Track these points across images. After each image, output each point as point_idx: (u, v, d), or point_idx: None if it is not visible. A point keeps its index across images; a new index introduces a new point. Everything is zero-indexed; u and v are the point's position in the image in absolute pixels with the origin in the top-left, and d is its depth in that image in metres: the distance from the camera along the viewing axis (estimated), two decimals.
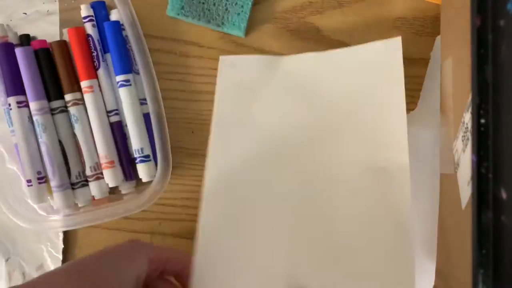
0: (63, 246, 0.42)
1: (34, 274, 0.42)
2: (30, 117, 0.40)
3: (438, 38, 0.38)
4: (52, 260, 0.42)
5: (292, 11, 0.42)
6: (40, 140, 0.40)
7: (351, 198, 0.36)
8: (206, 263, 0.36)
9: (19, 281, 0.42)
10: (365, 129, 0.36)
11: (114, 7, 0.41)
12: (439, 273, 0.34)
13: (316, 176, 0.37)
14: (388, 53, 0.36)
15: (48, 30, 0.42)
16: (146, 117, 0.41)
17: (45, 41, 0.41)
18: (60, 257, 0.42)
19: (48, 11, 0.43)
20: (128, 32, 0.39)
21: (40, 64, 0.41)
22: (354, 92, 0.37)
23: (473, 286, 0.23)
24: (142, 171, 0.41)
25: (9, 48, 0.40)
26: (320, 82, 0.38)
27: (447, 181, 0.32)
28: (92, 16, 0.41)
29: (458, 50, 0.29)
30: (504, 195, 0.23)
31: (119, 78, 0.40)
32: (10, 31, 0.42)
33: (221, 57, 0.40)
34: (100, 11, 0.41)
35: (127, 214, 0.39)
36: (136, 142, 0.40)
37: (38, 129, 0.40)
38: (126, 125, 0.41)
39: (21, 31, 0.42)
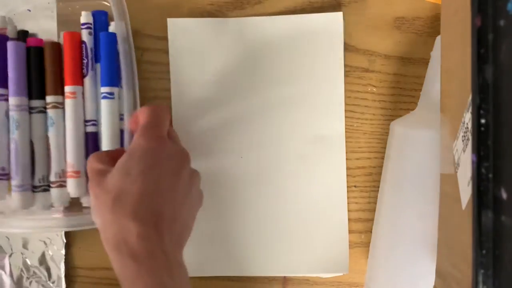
0: (63, 246, 0.42)
1: (37, 269, 0.42)
2: (8, 112, 0.39)
3: (438, 38, 0.38)
4: (52, 260, 0.42)
5: (292, 11, 0.42)
6: (11, 136, 0.39)
7: (296, 160, 0.41)
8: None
9: (23, 276, 0.42)
10: (307, 97, 0.41)
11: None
12: (439, 273, 0.34)
13: (263, 140, 0.41)
14: (329, 25, 0.41)
15: (49, 30, 0.42)
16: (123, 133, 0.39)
17: (41, 40, 0.41)
18: (60, 257, 0.42)
19: (52, 11, 0.42)
20: (120, 46, 0.39)
21: (29, 62, 0.40)
22: (297, 58, 0.41)
23: (473, 286, 0.23)
24: None
25: (2, 40, 0.40)
26: (265, 45, 0.41)
27: (447, 181, 0.32)
28: (91, 24, 0.40)
29: (458, 50, 0.29)
30: (504, 195, 0.23)
31: (104, 89, 0.39)
32: (10, 24, 0.41)
33: (169, 20, 0.42)
34: (101, 21, 0.41)
35: None
36: None
37: (12, 125, 0.39)
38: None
39: (23, 27, 0.41)
